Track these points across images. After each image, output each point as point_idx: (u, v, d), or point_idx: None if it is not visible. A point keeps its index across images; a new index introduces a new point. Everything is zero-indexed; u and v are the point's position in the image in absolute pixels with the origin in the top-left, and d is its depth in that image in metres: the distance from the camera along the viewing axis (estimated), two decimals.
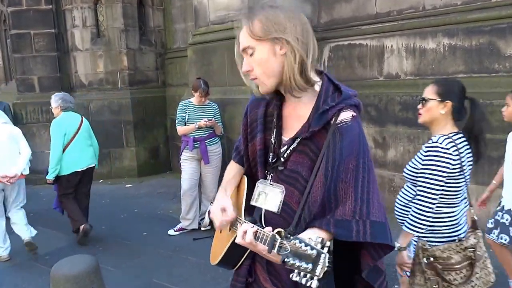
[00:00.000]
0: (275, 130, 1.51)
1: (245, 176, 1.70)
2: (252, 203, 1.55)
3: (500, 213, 3.11)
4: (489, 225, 3.20)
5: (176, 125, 5.03)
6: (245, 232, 1.36)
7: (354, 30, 5.68)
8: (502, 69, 4.51)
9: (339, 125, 1.37)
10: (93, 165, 5.07)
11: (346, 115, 1.39)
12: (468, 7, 4.72)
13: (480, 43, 4.63)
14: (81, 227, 4.81)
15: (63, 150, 4.77)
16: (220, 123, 5.14)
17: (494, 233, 3.12)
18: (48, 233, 5.29)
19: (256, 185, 1.55)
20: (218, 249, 1.69)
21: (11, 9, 7.90)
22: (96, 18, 7.96)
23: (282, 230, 1.26)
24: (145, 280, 4.00)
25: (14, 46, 8.05)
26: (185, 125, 4.96)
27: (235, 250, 1.57)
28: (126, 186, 7.54)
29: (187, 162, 5.03)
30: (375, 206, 1.37)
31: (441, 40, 4.91)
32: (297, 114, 1.47)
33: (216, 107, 5.14)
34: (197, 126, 4.88)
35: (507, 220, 3.04)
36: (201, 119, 4.90)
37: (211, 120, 4.93)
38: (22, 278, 4.14)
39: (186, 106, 5.00)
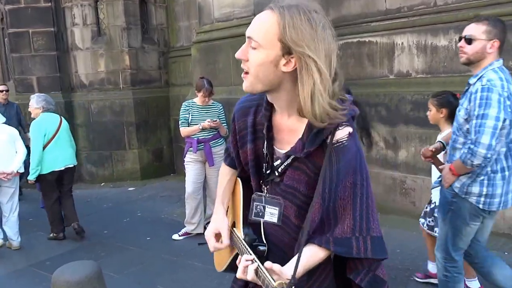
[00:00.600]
0: (266, 141, 1.46)
1: (239, 180, 1.70)
2: (250, 217, 1.50)
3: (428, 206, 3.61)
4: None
5: (180, 126, 4.93)
6: (246, 267, 1.33)
7: (363, 27, 5.57)
8: None
9: (335, 145, 1.34)
10: (72, 165, 5.17)
11: (342, 134, 1.34)
12: (481, 3, 4.62)
13: None
14: (56, 234, 5.14)
15: (43, 150, 4.88)
16: (225, 124, 5.02)
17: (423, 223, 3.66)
18: (48, 239, 5.21)
19: (252, 199, 1.50)
20: (222, 257, 1.73)
21: (9, 7, 7.81)
22: (97, 16, 7.85)
23: (284, 283, 1.22)
24: (148, 286, 3.94)
25: (12, 45, 7.97)
26: (188, 126, 4.86)
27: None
28: (129, 189, 7.47)
29: (191, 165, 4.93)
30: (375, 221, 1.39)
31: (453, 37, 4.79)
32: (288, 127, 1.42)
33: (221, 107, 5.03)
34: (201, 127, 4.78)
35: (427, 208, 3.59)
36: (205, 120, 4.80)
37: (216, 121, 4.82)
38: (22, 285, 4.09)
39: (189, 106, 4.90)
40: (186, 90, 7.28)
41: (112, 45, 7.85)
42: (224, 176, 1.74)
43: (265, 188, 1.50)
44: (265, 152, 1.47)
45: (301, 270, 1.29)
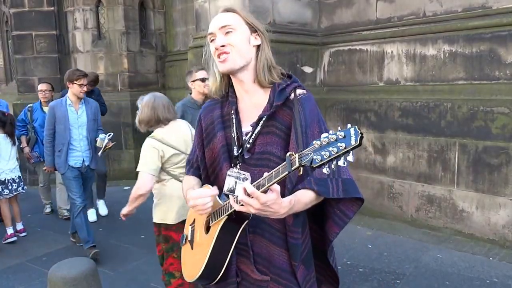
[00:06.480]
0: (234, 123, 1.64)
1: (207, 185, 1.71)
2: (225, 191, 1.58)
3: None
4: None
5: None
6: (244, 189, 1.33)
7: (354, 35, 5.70)
8: (502, 76, 4.51)
9: (299, 97, 1.60)
10: None
11: (301, 90, 1.63)
12: (469, 14, 4.73)
13: (480, 50, 4.63)
14: None
15: None
16: None
17: None
18: (45, 235, 5.29)
19: (227, 174, 1.58)
20: (195, 261, 1.68)
21: (13, 10, 7.94)
22: (98, 20, 7.99)
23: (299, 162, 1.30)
24: (142, 283, 3.99)
25: (16, 47, 8.09)
26: None
27: (218, 254, 1.58)
28: (124, 188, 7.42)
29: None
30: (344, 165, 1.49)
31: (442, 47, 4.91)
32: (253, 103, 1.64)
33: None
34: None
35: None
36: None
37: None
38: (19, 280, 4.13)
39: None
40: (182, 93, 7.34)
41: (112, 49, 7.98)
42: (189, 183, 1.77)
43: (238, 166, 1.61)
44: (234, 133, 1.63)
45: (296, 199, 1.41)
